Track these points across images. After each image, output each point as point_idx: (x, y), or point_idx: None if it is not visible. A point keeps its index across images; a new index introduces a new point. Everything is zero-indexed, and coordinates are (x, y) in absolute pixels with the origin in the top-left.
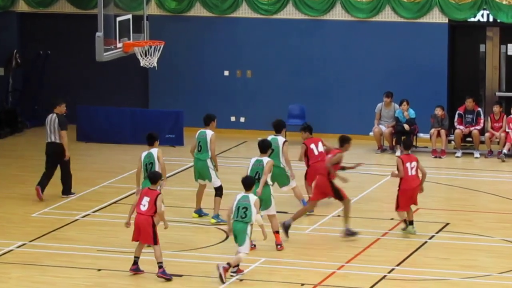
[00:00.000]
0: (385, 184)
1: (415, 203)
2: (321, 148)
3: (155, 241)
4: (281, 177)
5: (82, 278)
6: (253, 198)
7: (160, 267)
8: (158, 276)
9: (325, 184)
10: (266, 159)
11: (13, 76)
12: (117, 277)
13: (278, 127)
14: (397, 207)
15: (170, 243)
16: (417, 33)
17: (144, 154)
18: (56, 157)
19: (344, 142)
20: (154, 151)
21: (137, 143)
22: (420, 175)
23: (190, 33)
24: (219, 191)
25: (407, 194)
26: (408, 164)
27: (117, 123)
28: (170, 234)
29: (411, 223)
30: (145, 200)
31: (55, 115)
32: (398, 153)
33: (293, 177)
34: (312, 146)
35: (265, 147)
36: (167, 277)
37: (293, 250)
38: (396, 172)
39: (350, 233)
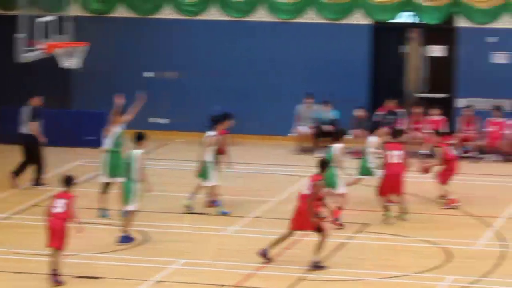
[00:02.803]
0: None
1: (398, 193)
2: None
3: (61, 246)
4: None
5: (1, 281)
6: None
7: (54, 274)
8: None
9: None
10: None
11: None
12: (37, 280)
13: None
14: (379, 192)
15: (88, 245)
16: (340, 34)
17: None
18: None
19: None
20: (136, 152)
21: (60, 145)
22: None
23: (113, 34)
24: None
25: (388, 180)
26: (389, 152)
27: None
28: (88, 236)
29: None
30: (60, 203)
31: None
32: (318, 154)
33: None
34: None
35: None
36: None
37: (213, 251)
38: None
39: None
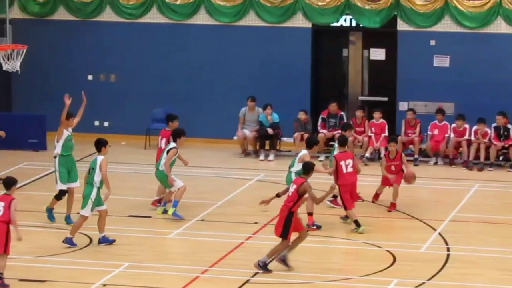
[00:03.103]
0: (249, 188)
1: (357, 199)
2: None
3: (5, 250)
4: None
5: None
6: None
7: (0, 278)
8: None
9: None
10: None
11: None
12: None
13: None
14: (346, 207)
15: (33, 248)
16: (281, 37)
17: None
18: None
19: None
20: (99, 158)
21: (2, 148)
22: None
23: (54, 37)
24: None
25: (347, 190)
26: (342, 162)
27: None
28: (32, 239)
29: (357, 224)
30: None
31: None
32: (262, 157)
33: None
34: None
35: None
36: (4, 286)
37: (156, 255)
38: (331, 170)
39: (285, 263)
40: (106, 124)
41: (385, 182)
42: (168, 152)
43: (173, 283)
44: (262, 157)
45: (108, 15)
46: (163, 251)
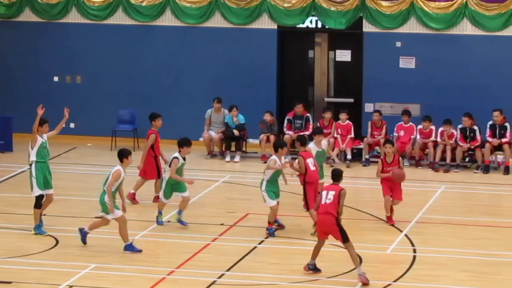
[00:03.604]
0: (215, 189)
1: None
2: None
3: None
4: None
5: None
6: None
7: None
8: None
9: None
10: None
11: None
12: None
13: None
14: (308, 207)
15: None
16: (247, 38)
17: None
18: None
19: None
20: (116, 167)
21: None
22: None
23: (19, 39)
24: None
25: (313, 188)
26: (308, 160)
27: None
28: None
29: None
30: None
31: None
32: (227, 158)
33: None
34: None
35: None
36: None
37: (123, 256)
38: (297, 167)
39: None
40: (72, 125)
41: (387, 191)
42: (170, 164)
43: (139, 284)
44: (228, 158)
45: (74, 17)
46: (129, 253)
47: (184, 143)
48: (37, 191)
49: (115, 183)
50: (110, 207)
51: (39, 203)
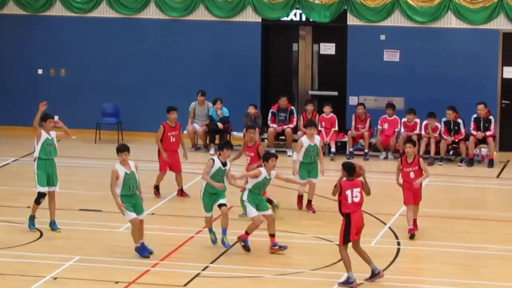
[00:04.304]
0: (199, 182)
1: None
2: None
3: None
4: None
5: None
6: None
7: None
8: None
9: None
10: None
11: None
12: None
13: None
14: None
15: None
16: (231, 32)
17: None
18: None
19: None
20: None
21: None
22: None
23: (3, 31)
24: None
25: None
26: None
27: None
28: None
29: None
30: None
31: None
32: (212, 151)
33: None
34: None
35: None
36: None
37: (107, 249)
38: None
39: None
40: (56, 118)
41: (408, 200)
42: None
43: (123, 276)
44: (212, 151)
45: (58, 10)
46: (113, 245)
47: (223, 146)
48: (38, 188)
49: (115, 182)
50: (119, 208)
51: (39, 200)
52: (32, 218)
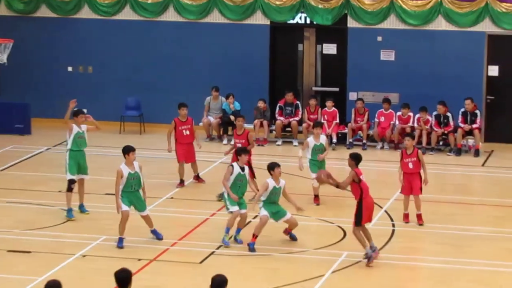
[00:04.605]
0: (213, 169)
1: None
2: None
3: None
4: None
5: None
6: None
7: None
8: None
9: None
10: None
11: None
12: None
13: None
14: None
15: (20, 222)
16: (242, 33)
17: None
18: None
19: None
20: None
21: None
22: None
23: (37, 32)
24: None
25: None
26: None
27: None
28: (19, 214)
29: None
30: None
31: None
32: (225, 141)
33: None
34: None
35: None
36: None
37: (130, 229)
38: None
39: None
40: (84, 111)
41: (405, 190)
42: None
43: (145, 254)
44: (225, 141)
45: (85, 13)
46: (136, 226)
47: (241, 152)
48: (68, 176)
49: (119, 181)
50: (117, 207)
51: (69, 187)
52: (70, 210)
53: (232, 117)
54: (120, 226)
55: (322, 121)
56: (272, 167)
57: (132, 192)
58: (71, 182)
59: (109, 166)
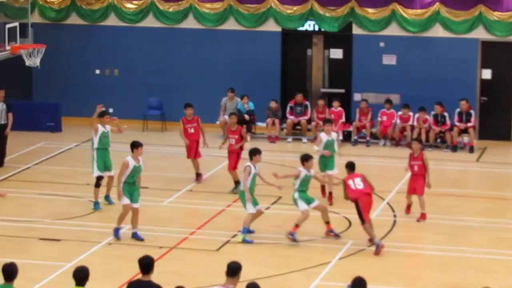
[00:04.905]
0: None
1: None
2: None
3: None
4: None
5: None
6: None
7: None
8: None
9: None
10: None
11: None
12: None
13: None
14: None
15: (50, 213)
16: (256, 39)
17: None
18: None
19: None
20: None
21: (24, 130)
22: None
23: (67, 38)
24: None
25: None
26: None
27: None
28: (50, 205)
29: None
30: None
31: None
32: None
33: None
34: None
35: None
36: None
37: (152, 219)
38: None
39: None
40: (110, 110)
41: (409, 190)
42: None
43: (166, 242)
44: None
45: (112, 20)
46: (157, 216)
47: (256, 152)
48: (96, 173)
49: (124, 172)
50: (119, 194)
51: (98, 183)
52: (97, 203)
53: (246, 116)
54: (120, 218)
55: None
56: (306, 158)
57: (132, 183)
58: (99, 178)
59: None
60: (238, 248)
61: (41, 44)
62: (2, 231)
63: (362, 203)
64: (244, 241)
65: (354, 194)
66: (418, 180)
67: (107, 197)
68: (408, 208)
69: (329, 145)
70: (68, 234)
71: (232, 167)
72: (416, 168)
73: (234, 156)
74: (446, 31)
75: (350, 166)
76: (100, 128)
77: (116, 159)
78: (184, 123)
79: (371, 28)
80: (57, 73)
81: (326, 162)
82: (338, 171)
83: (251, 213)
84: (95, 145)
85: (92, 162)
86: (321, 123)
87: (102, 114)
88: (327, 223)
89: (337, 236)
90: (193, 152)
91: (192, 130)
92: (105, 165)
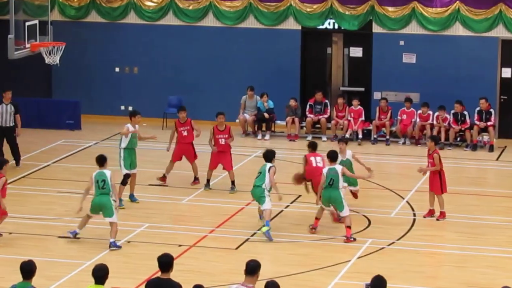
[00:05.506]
0: (248, 162)
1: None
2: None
3: None
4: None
5: None
6: (339, 168)
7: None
8: None
9: None
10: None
11: None
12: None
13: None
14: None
15: (69, 211)
16: (275, 37)
17: (95, 172)
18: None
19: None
20: (107, 172)
21: (44, 128)
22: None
23: (87, 36)
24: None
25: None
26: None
27: (25, 111)
28: (69, 203)
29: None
30: None
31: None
32: (259, 136)
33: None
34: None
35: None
36: None
37: (171, 217)
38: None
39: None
40: (130, 108)
41: (430, 187)
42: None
43: (185, 240)
44: (259, 137)
45: (132, 18)
46: (177, 214)
47: (273, 155)
48: (124, 171)
49: (126, 134)
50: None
51: (125, 181)
52: (120, 200)
53: (266, 115)
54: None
55: (349, 118)
56: (334, 157)
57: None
58: (127, 176)
59: (153, 160)
60: (257, 247)
61: (60, 42)
62: (21, 229)
63: (315, 183)
64: (267, 234)
65: (311, 172)
66: (434, 178)
67: (131, 196)
68: (429, 212)
69: (343, 165)
70: (88, 232)
71: (230, 167)
72: (430, 166)
73: (227, 156)
74: (466, 29)
75: (313, 146)
76: (131, 128)
77: (137, 157)
78: (178, 126)
79: (391, 26)
80: (76, 71)
81: (349, 178)
82: (359, 187)
83: (270, 209)
84: (124, 145)
85: (119, 161)
86: (340, 122)
87: (133, 114)
88: (348, 227)
89: (353, 239)
90: (191, 155)
91: (186, 133)
92: (131, 164)
